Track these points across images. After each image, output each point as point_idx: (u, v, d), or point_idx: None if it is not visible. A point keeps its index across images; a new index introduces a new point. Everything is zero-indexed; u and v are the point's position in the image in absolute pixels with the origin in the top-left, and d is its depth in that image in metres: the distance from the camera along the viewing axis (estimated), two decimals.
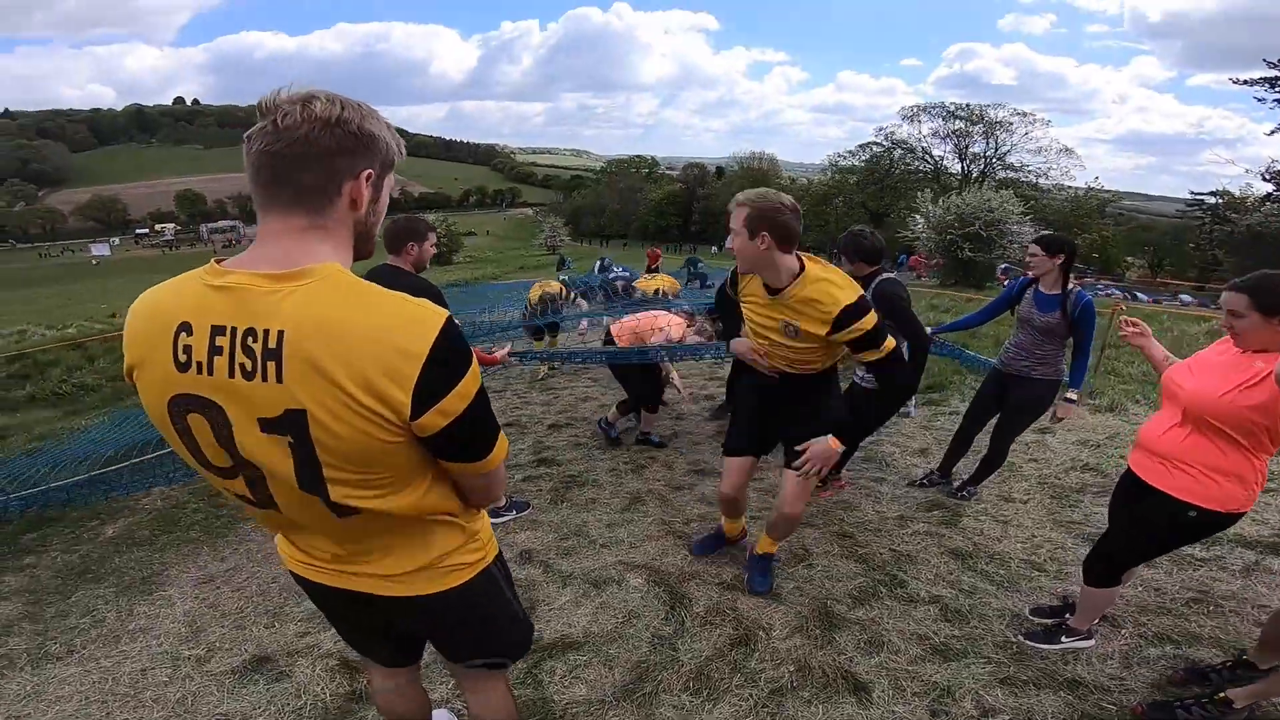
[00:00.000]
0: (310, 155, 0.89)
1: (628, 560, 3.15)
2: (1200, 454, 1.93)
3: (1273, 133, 32.97)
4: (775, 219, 2.09)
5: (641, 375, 4.50)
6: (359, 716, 2.15)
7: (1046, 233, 3.52)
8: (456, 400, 0.95)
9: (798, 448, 2.45)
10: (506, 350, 3.63)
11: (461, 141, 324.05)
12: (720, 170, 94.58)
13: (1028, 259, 3.22)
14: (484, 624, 1.37)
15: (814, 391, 2.50)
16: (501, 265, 35.23)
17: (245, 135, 0.90)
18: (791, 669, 2.35)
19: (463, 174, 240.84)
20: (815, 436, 2.39)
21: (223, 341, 0.89)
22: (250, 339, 0.88)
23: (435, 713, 1.97)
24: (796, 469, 2.44)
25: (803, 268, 2.19)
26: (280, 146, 0.88)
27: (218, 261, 0.95)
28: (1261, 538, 3.23)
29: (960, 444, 3.89)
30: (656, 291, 6.47)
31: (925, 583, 2.91)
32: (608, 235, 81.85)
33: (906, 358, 3.01)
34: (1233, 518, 1.97)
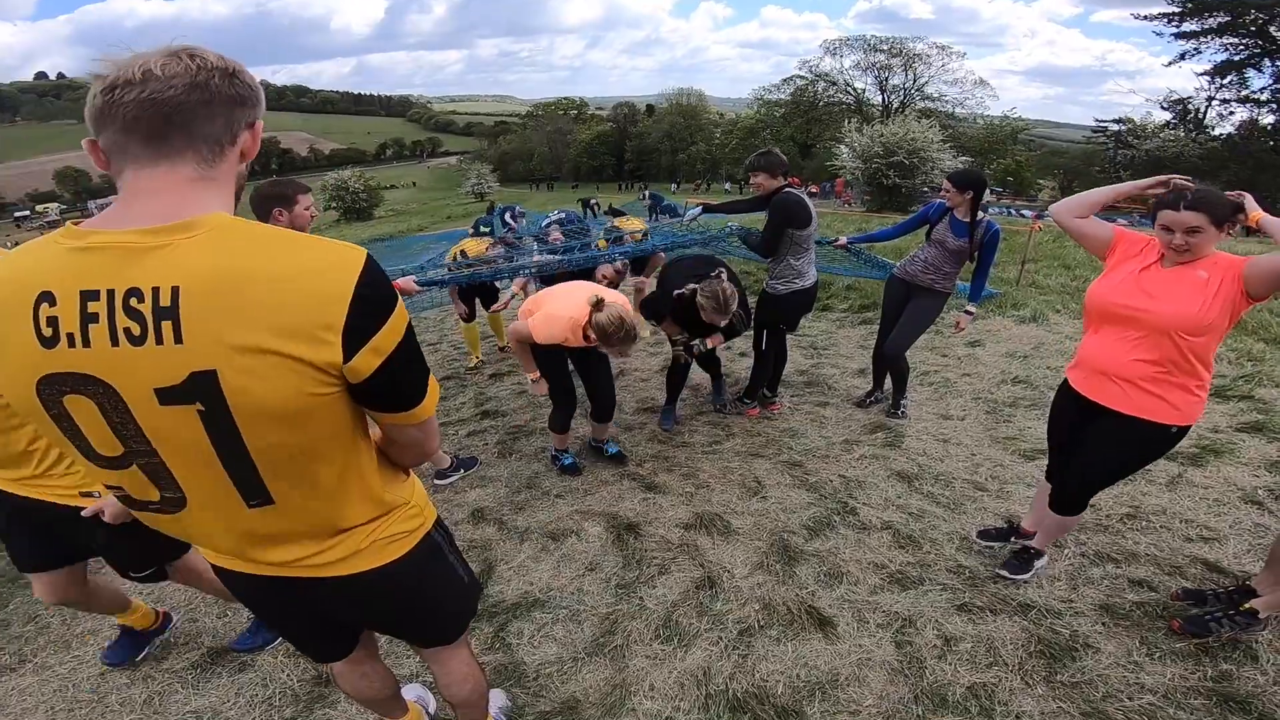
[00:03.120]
0: (213, 102, 0.83)
1: (583, 509, 3.12)
2: (1175, 372, 1.96)
3: (1169, 64, 36.36)
4: None
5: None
6: (330, 700, 2.08)
7: (959, 169, 3.77)
8: (387, 337, 0.89)
9: None
10: (411, 279, 3.30)
11: (371, 95, 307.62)
12: (651, 108, 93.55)
13: (942, 193, 3.56)
14: (430, 597, 1.30)
15: None
16: (428, 216, 34.02)
17: (106, 88, 0.78)
18: (757, 608, 2.38)
19: (376, 127, 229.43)
20: None
21: (97, 307, 0.78)
22: (134, 299, 0.77)
23: (405, 688, 1.93)
24: None
25: None
26: (174, 94, 0.79)
27: (74, 224, 0.82)
28: (1182, 449, 3.35)
29: (881, 359, 4.05)
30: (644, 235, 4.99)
31: (875, 509, 2.99)
32: (538, 179, 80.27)
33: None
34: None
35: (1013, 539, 2.62)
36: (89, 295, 0.78)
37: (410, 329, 0.94)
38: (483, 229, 5.77)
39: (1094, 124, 40.80)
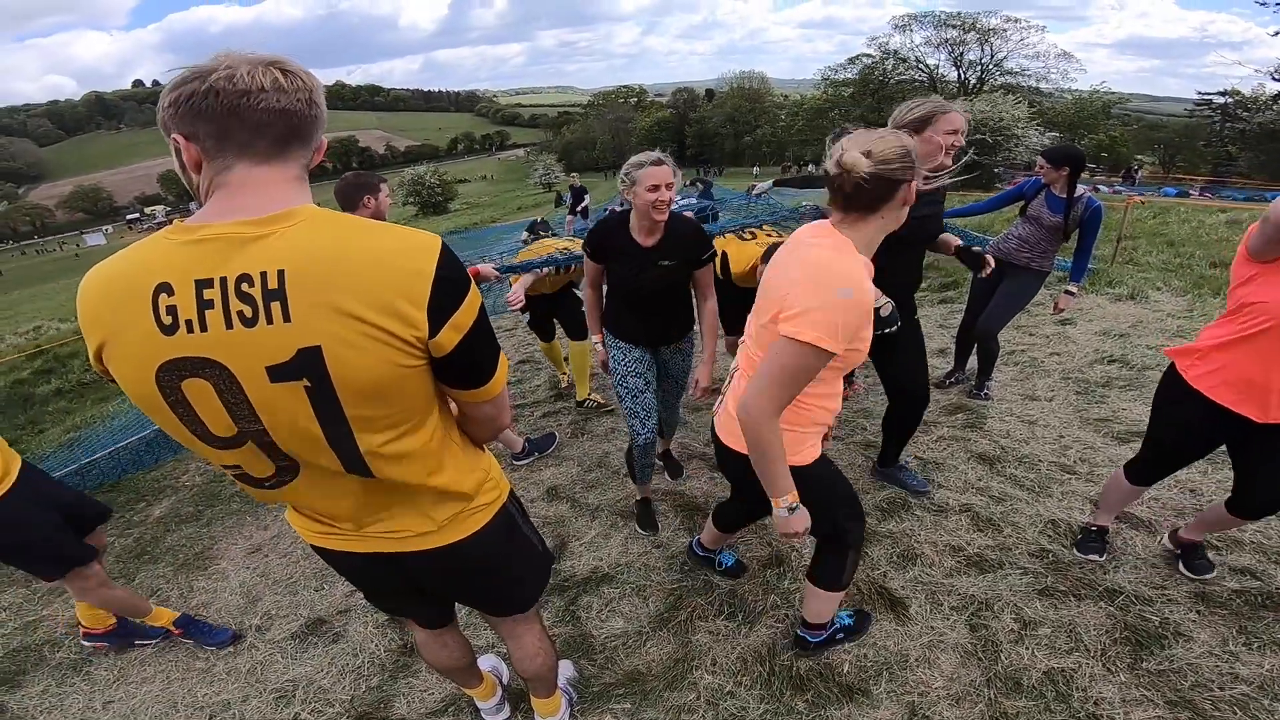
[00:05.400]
0: (319, 118, 0.94)
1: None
2: None
3: (1277, 34, 32.92)
4: None
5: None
6: (413, 670, 2.18)
7: (1053, 146, 3.58)
8: (466, 314, 0.96)
9: None
10: (492, 266, 3.34)
11: (440, 91, 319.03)
12: (710, 92, 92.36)
13: (1037, 170, 3.45)
14: (508, 566, 1.36)
15: None
16: (500, 208, 34.87)
17: (244, 91, 0.84)
18: None
19: (446, 123, 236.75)
20: None
21: (212, 294, 0.84)
22: (245, 284, 0.84)
23: (481, 659, 1.99)
24: None
25: None
26: (300, 106, 0.89)
27: (180, 220, 0.89)
28: None
29: (968, 338, 3.88)
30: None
31: (954, 491, 2.87)
32: (602, 167, 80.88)
33: None
34: None
35: (1105, 538, 2.40)
36: (203, 283, 0.84)
37: (483, 308, 1.01)
38: (541, 233, 5.53)
39: (1197, 97, 38.09)
